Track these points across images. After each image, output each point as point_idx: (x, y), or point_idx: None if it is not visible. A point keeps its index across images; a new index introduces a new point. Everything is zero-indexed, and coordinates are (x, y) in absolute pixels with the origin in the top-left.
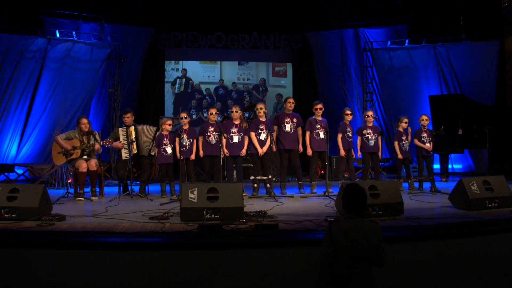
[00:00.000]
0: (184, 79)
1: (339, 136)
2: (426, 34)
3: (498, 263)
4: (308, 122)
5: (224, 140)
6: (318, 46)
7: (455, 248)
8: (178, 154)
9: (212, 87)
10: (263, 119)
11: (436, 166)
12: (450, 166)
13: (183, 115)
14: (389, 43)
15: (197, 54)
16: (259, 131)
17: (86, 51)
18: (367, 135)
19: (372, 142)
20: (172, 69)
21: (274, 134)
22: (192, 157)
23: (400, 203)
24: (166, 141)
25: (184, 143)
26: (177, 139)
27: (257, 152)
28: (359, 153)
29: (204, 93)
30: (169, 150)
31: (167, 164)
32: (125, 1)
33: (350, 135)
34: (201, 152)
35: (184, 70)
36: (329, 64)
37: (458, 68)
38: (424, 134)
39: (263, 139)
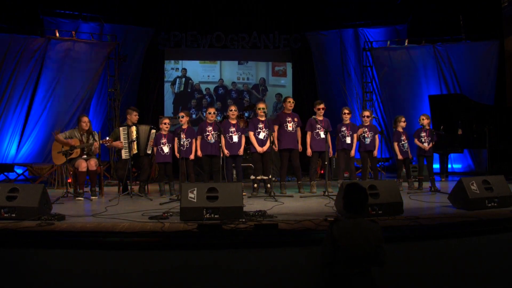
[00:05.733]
0: (183, 79)
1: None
2: (425, 34)
3: (497, 263)
4: (308, 122)
5: (223, 140)
6: (318, 46)
7: (455, 248)
8: (177, 154)
9: (211, 87)
10: (262, 118)
11: (436, 165)
12: (449, 165)
13: (181, 114)
14: (388, 43)
15: (196, 54)
16: (258, 130)
17: (85, 50)
18: (363, 133)
19: (368, 140)
20: (172, 69)
21: (275, 134)
22: (191, 156)
23: (400, 203)
24: (164, 141)
25: (183, 143)
26: (176, 138)
27: (257, 151)
28: (353, 151)
29: (204, 92)
30: (166, 149)
31: (165, 164)
32: (125, 1)
33: (344, 134)
34: (199, 152)
35: (184, 70)
36: (328, 63)
37: (457, 68)
38: (423, 134)
39: (262, 138)
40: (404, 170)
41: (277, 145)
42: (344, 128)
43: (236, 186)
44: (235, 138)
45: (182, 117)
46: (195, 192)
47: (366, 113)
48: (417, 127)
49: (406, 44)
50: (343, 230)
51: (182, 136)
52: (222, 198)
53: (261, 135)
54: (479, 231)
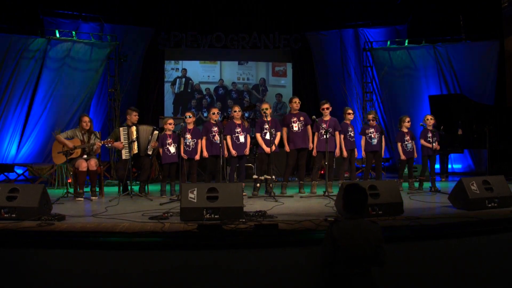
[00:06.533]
0: (184, 79)
1: (341, 136)
2: (425, 34)
3: (497, 263)
4: (314, 123)
5: (229, 141)
6: (318, 46)
7: (455, 248)
8: (183, 155)
9: (212, 87)
10: (267, 119)
11: (436, 166)
12: (450, 166)
13: (188, 114)
14: (389, 43)
15: (197, 54)
16: (265, 131)
17: (86, 51)
18: (370, 134)
19: (375, 141)
20: (172, 69)
21: (284, 134)
22: (197, 157)
23: (400, 203)
24: (169, 141)
25: (188, 143)
26: (182, 139)
27: (265, 152)
28: (363, 153)
29: (204, 93)
30: (172, 149)
31: (171, 164)
32: (125, 1)
33: (352, 134)
34: (205, 153)
35: (184, 70)
36: (329, 64)
37: (457, 68)
38: (430, 134)
39: (268, 138)
40: (406, 170)
41: (287, 145)
42: (350, 129)
43: (236, 186)
44: (242, 139)
45: (190, 117)
46: (195, 192)
47: (370, 116)
48: (417, 127)
49: (406, 44)
50: (343, 230)
51: (188, 136)
52: (222, 198)
53: (267, 136)
54: (479, 231)
